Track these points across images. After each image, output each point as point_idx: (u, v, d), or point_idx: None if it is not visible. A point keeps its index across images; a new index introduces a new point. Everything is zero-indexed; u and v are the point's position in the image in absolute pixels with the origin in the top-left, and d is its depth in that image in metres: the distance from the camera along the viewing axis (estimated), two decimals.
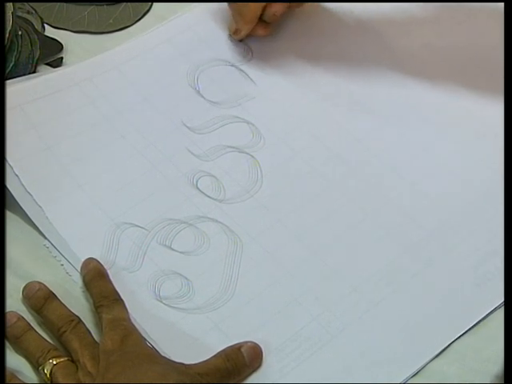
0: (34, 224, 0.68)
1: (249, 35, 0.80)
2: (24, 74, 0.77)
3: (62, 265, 0.66)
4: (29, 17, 0.82)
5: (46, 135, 0.73)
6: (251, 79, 0.79)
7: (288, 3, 0.78)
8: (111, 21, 0.83)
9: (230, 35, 0.81)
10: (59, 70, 0.78)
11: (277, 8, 0.77)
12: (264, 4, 0.77)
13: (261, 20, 0.79)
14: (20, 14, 0.81)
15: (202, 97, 0.77)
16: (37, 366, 0.60)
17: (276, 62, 0.80)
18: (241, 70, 0.79)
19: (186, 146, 0.73)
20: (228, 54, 0.80)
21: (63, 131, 0.73)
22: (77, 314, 0.63)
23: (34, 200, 0.69)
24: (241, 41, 0.81)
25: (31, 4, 0.83)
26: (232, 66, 0.80)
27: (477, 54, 0.80)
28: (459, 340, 0.63)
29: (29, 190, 0.69)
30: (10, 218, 0.68)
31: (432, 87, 0.78)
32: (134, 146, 0.73)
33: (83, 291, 0.65)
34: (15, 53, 0.77)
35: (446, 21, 0.83)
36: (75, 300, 0.65)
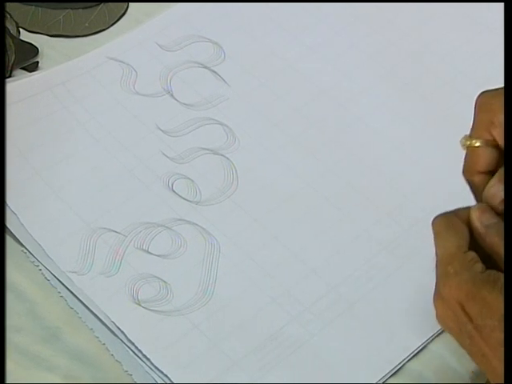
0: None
1: None
2: None
3: (40, 270, 0.64)
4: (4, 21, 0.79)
5: (18, 141, 0.70)
6: (224, 80, 0.76)
7: None
8: (87, 24, 0.81)
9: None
10: (32, 75, 0.75)
11: None
12: None
13: None
14: None
15: (176, 99, 0.74)
16: None
17: (249, 62, 0.77)
18: (214, 72, 0.76)
19: (161, 149, 0.71)
20: (200, 56, 0.77)
21: (36, 137, 0.71)
22: (55, 319, 0.61)
23: (9, 207, 0.66)
24: None
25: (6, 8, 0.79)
26: (205, 67, 0.77)
27: None
28: (437, 338, 0.60)
29: None
30: None
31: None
32: (108, 151, 0.70)
33: (61, 296, 0.62)
34: None
35: None
36: (53, 305, 0.62)
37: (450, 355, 0.60)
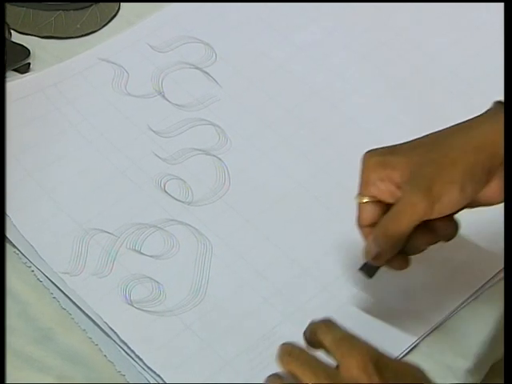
0: None
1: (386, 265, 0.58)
2: None
3: (33, 271, 0.63)
4: None
5: (11, 143, 0.69)
6: (216, 81, 0.76)
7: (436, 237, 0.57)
8: (78, 26, 0.80)
9: (361, 267, 0.59)
10: (24, 77, 0.75)
11: (426, 241, 0.57)
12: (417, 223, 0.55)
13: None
14: None
15: (167, 100, 0.74)
16: None
17: (240, 63, 0.77)
18: (205, 73, 0.76)
19: (153, 150, 0.71)
20: (192, 57, 0.77)
21: (28, 138, 0.71)
22: (47, 320, 0.61)
23: None
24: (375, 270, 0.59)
25: None
26: (196, 68, 0.77)
27: None
28: (430, 337, 0.60)
29: None
30: None
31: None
32: (100, 152, 0.70)
33: (54, 297, 0.62)
34: None
35: None
36: (46, 306, 0.62)
37: (442, 353, 0.60)
